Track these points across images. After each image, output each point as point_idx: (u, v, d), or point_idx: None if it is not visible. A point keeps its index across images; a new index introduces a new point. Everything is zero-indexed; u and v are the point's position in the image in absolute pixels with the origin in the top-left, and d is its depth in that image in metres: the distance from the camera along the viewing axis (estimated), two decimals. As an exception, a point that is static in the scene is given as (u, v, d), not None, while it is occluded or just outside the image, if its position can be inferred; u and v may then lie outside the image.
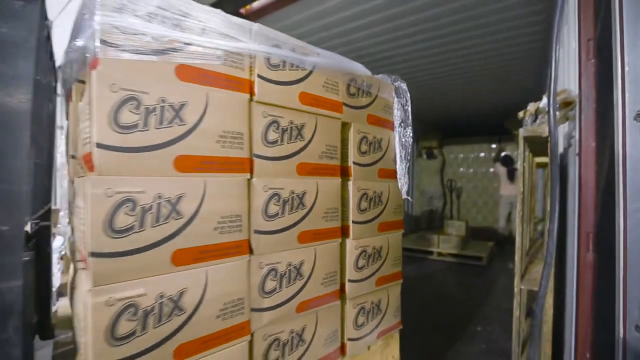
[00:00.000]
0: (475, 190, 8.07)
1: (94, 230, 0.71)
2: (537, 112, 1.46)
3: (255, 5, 2.90)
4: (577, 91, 1.35)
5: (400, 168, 1.52)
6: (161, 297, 0.80)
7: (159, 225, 0.80)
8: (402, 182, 1.52)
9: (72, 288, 1.10)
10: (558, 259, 1.42)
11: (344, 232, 1.30)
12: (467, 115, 6.81)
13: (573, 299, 1.37)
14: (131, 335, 0.76)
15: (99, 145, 0.73)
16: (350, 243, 1.30)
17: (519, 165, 1.45)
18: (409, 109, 1.54)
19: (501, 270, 4.74)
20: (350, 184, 1.31)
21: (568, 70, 1.73)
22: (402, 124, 1.54)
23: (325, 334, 1.21)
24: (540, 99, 1.58)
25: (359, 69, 1.37)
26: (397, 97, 1.54)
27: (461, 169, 8.30)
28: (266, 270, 1.03)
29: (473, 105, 5.96)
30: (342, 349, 1.30)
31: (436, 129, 8.20)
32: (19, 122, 0.76)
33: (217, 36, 0.93)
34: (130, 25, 0.78)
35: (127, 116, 0.76)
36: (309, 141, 1.15)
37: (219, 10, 0.93)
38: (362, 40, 3.38)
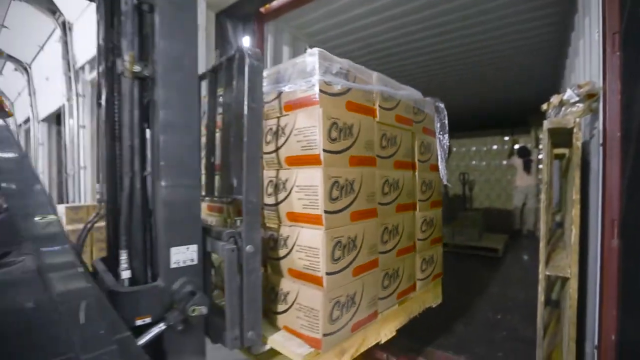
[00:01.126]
0: (488, 183, 7.97)
1: (325, 199, 1.28)
2: (560, 104, 1.52)
3: (274, 4, 3.04)
4: (600, 83, 1.42)
5: (441, 164, 2.16)
6: (349, 238, 1.38)
7: (346, 197, 1.37)
8: (443, 174, 2.16)
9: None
10: (580, 246, 1.47)
11: (413, 207, 1.92)
12: (478, 108, 6.73)
13: (596, 284, 1.44)
14: (339, 259, 1.33)
15: (324, 150, 1.29)
16: (417, 214, 1.92)
17: (542, 156, 1.56)
18: (446, 121, 2.18)
19: (516, 261, 4.76)
20: (416, 174, 1.93)
21: (590, 62, 1.76)
22: (440, 132, 2.18)
23: (407, 274, 1.82)
24: (557, 90, 1.82)
25: (419, 95, 1.99)
26: (437, 112, 2.18)
27: (474, 162, 8.22)
28: (383, 228, 1.62)
29: (485, 99, 5.95)
30: (414, 286, 1.92)
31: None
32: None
33: (360, 81, 1.51)
34: (330, 79, 1.35)
35: (333, 133, 1.33)
36: (399, 146, 1.76)
37: (363, 67, 1.51)
38: (373, 36, 3.48)
